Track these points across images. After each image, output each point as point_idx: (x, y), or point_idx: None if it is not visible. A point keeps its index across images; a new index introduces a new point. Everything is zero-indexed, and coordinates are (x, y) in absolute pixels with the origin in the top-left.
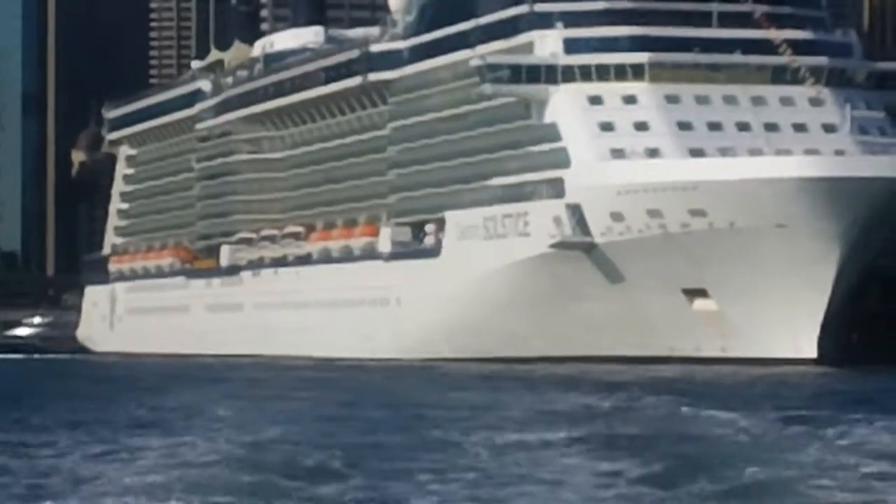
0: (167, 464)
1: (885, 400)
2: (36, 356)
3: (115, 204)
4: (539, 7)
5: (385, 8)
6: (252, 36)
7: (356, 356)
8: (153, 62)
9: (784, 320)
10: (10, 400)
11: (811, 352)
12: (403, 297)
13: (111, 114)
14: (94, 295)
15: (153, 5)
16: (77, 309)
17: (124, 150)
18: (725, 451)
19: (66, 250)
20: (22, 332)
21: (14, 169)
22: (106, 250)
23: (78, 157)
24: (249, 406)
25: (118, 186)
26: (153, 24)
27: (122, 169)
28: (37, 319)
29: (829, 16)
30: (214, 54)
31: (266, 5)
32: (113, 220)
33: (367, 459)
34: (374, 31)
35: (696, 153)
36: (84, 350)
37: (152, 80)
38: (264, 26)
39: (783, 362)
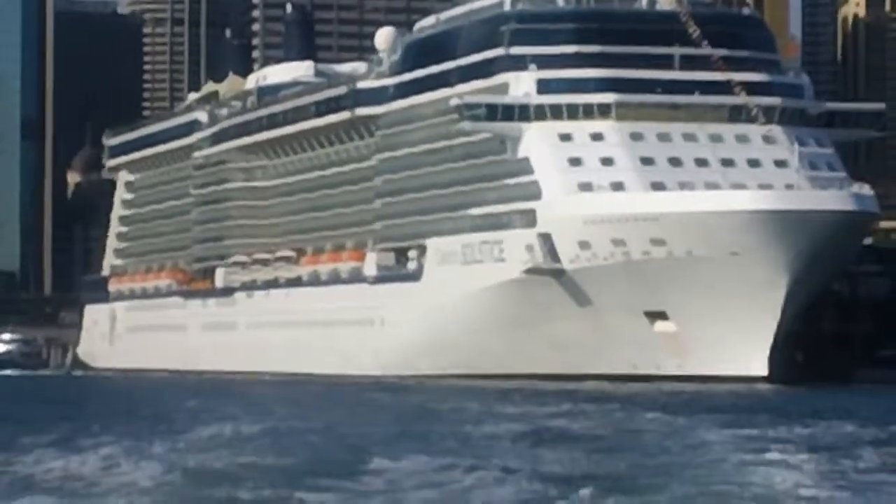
0: None
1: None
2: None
3: (115, 227)
4: (514, 50)
5: (371, 37)
6: (245, 68)
7: (341, 373)
8: (146, 86)
9: (737, 341)
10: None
11: (762, 370)
12: (387, 317)
13: (111, 141)
14: (94, 313)
15: (146, 30)
16: (73, 326)
17: (123, 176)
18: None
19: (62, 269)
20: None
21: (13, 191)
22: (105, 271)
23: (74, 178)
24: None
25: (117, 210)
26: (147, 52)
27: (121, 194)
28: (6, 336)
29: (803, 46)
30: (210, 86)
31: (258, 35)
32: (112, 243)
33: None
34: (361, 66)
35: (658, 187)
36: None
37: (145, 105)
38: (255, 54)
39: (735, 380)
